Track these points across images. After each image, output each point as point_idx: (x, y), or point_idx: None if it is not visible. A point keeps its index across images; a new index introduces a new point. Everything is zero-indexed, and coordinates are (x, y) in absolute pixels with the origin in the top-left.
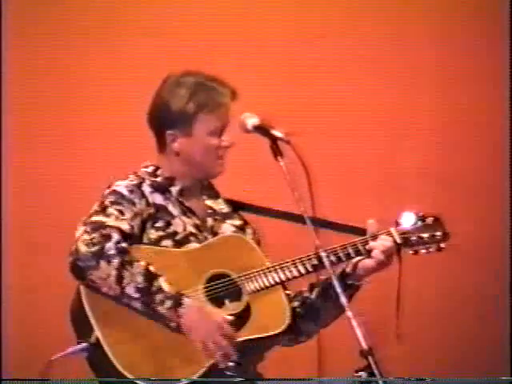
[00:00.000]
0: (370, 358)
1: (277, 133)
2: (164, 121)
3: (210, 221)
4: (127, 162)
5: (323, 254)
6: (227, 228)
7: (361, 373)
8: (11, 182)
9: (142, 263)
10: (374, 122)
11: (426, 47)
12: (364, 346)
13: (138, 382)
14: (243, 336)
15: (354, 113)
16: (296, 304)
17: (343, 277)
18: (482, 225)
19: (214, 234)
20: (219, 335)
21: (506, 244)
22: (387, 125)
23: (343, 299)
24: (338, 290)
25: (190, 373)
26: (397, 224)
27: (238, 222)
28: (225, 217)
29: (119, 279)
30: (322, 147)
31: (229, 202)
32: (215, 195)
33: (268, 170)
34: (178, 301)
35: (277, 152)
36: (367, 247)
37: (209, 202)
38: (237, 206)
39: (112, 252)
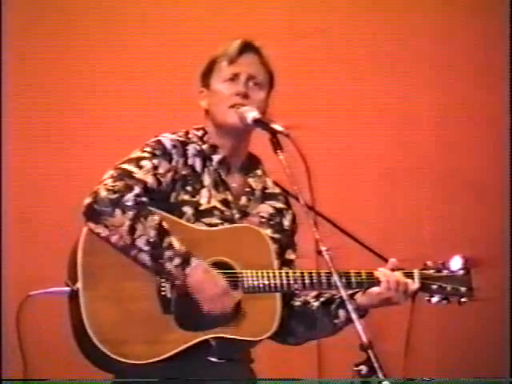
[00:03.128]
0: (369, 352)
1: (276, 126)
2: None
3: (243, 199)
4: None
5: (334, 276)
6: (264, 209)
7: (361, 366)
8: (11, 182)
9: (156, 217)
10: (374, 120)
11: (426, 47)
12: (364, 339)
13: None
14: (218, 333)
15: (355, 111)
16: (297, 304)
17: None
18: (482, 224)
19: (244, 213)
20: (224, 297)
21: (506, 243)
22: (387, 123)
23: (350, 308)
24: (350, 308)
25: (155, 353)
26: (425, 265)
27: (279, 205)
28: (265, 198)
29: (132, 230)
30: (322, 146)
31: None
32: (262, 174)
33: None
34: (186, 259)
35: (276, 145)
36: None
37: (251, 180)
38: (284, 191)
39: (129, 203)
